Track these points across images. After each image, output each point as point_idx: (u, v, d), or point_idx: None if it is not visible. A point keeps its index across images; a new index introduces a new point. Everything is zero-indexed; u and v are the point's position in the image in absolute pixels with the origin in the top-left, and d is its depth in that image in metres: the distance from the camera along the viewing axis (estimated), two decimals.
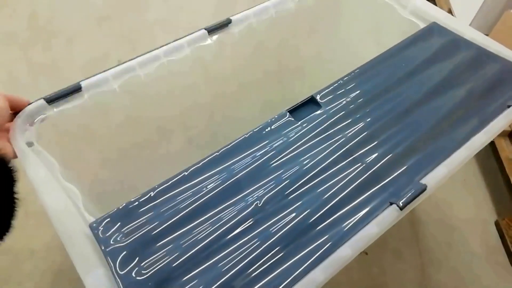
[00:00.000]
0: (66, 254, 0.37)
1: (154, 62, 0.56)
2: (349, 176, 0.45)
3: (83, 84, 0.52)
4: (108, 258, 0.39)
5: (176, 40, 0.58)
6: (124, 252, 0.39)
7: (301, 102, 0.53)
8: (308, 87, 0.55)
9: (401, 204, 0.41)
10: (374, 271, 0.83)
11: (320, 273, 0.37)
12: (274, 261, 0.39)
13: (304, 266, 0.38)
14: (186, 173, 0.46)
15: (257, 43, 0.69)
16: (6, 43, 1.26)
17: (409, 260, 0.85)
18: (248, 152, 0.48)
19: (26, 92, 0.92)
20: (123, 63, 0.54)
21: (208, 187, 0.44)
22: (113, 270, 0.38)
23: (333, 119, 0.51)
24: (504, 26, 0.88)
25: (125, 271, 0.38)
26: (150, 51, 0.56)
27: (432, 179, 0.44)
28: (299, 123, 0.51)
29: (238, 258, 0.39)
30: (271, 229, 0.41)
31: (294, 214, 0.42)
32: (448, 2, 1.17)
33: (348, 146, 0.48)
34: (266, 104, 0.84)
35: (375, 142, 0.49)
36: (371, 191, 0.44)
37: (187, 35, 0.58)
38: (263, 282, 0.37)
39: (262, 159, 0.47)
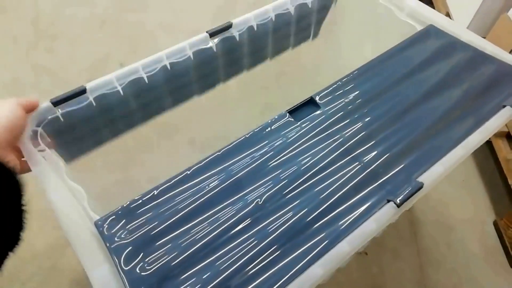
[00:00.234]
0: (69, 255, 0.38)
1: (157, 64, 0.57)
2: (348, 175, 0.46)
3: (87, 86, 0.53)
4: (113, 254, 0.40)
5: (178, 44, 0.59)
6: (129, 249, 0.40)
7: (300, 103, 0.54)
8: (308, 90, 0.56)
9: (398, 202, 0.42)
10: (373, 270, 0.84)
11: (319, 269, 0.38)
12: (272, 258, 0.39)
13: (303, 262, 0.38)
14: (188, 172, 0.47)
15: (257, 45, 0.70)
16: (10, 46, 1.27)
17: (408, 260, 0.86)
18: (249, 151, 0.48)
19: (30, 94, 0.94)
20: (126, 66, 0.56)
21: (209, 186, 0.45)
22: (118, 266, 0.39)
23: (332, 119, 0.52)
24: (500, 29, 0.90)
25: (129, 267, 0.39)
26: (153, 55, 0.57)
27: (428, 177, 0.45)
28: (299, 123, 0.52)
29: (237, 256, 0.39)
30: (269, 228, 0.41)
31: (292, 213, 0.43)
32: (446, 6, 1.18)
33: (346, 145, 0.49)
34: (266, 106, 0.86)
35: (373, 142, 0.49)
36: (368, 189, 0.45)
37: (189, 39, 0.60)
38: (261, 279, 0.38)
39: (262, 159, 0.48)
